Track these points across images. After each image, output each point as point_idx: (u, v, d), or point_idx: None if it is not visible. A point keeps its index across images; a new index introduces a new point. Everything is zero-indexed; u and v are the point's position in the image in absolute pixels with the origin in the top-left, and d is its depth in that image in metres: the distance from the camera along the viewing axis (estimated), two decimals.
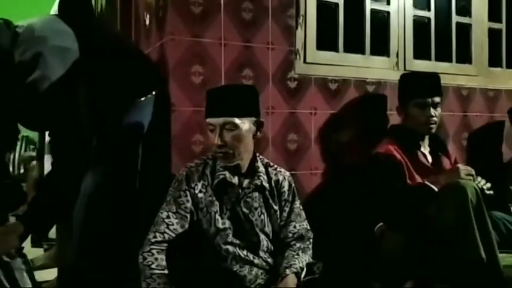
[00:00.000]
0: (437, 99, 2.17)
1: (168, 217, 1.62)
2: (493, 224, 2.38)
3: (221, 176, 1.65)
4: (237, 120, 1.61)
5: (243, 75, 2.10)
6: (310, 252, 1.76)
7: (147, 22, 2.24)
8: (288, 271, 1.62)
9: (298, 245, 1.73)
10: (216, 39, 2.05)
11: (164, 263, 1.54)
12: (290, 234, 1.74)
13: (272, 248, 1.71)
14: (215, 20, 2.04)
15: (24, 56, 1.57)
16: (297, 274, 1.63)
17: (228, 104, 1.62)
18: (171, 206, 1.63)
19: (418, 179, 2.09)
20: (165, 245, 1.57)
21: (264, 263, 1.67)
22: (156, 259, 1.55)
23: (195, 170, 1.68)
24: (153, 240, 1.59)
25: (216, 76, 2.04)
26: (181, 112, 1.97)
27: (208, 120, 1.64)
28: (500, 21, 3.02)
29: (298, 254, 1.69)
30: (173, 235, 1.59)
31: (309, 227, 1.79)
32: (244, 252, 1.64)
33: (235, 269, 1.62)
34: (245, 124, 1.63)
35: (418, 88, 2.18)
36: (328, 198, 2.28)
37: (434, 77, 2.22)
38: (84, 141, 1.76)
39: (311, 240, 1.79)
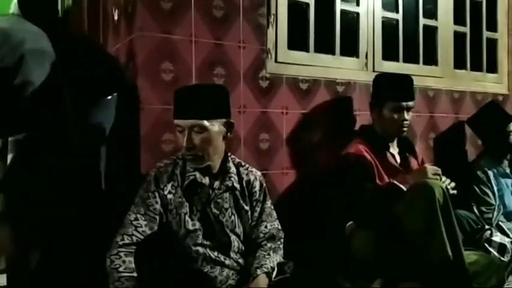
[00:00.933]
0: (411, 103, 2.21)
1: (136, 219, 1.58)
2: (457, 222, 2.45)
3: (191, 177, 1.63)
4: (206, 123, 1.58)
5: (215, 73, 2.08)
6: (281, 252, 1.76)
7: (116, 18, 2.18)
8: (259, 271, 1.61)
9: (269, 245, 1.73)
10: (187, 36, 2.01)
11: (132, 265, 1.50)
12: (261, 235, 1.73)
13: (243, 248, 1.70)
14: (185, 16, 2.01)
15: (4, 61, 1.51)
16: (268, 274, 1.62)
17: (197, 105, 1.58)
18: (139, 208, 1.59)
19: (387, 179, 2.12)
20: (134, 247, 1.53)
21: (235, 264, 1.66)
22: (124, 262, 1.51)
23: (164, 170, 1.65)
24: (120, 243, 1.54)
25: (187, 74, 2.01)
26: (150, 110, 1.93)
27: (176, 121, 1.60)
28: (464, 25, 3.11)
29: (269, 254, 1.69)
30: (141, 237, 1.55)
31: (280, 227, 1.79)
32: (215, 253, 1.62)
33: (206, 270, 1.60)
34: (214, 126, 1.60)
35: (394, 92, 2.20)
36: (299, 198, 2.28)
37: (409, 81, 2.24)
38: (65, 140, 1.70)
39: (282, 240, 1.79)
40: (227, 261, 1.64)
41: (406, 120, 2.19)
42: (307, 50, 2.41)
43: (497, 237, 2.29)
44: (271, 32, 2.26)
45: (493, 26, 3.27)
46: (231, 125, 1.67)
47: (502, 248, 2.26)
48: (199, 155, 1.60)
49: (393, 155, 2.24)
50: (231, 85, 2.09)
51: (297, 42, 2.37)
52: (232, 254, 1.66)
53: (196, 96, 1.60)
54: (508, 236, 2.33)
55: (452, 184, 2.03)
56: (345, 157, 2.14)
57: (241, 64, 2.14)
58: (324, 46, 2.48)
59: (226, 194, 1.68)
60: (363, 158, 2.10)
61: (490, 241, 2.27)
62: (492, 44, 3.27)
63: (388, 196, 1.96)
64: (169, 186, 1.61)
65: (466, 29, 3.11)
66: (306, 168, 2.33)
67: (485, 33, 3.23)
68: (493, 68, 3.27)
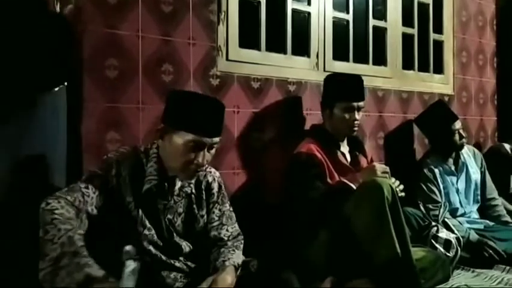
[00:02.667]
0: (361, 103, 2.23)
1: (86, 188, 1.44)
2: (405, 220, 2.50)
3: (153, 182, 1.54)
4: (218, 138, 1.54)
5: (163, 70, 2.02)
6: (240, 250, 1.71)
7: (58, 11, 2.07)
8: (227, 263, 1.56)
9: (230, 243, 1.69)
10: (133, 31, 1.94)
11: (71, 215, 1.34)
12: (225, 238, 1.68)
13: (195, 252, 1.65)
14: (132, 11, 1.94)
15: None
16: (235, 268, 1.58)
17: (218, 122, 1.54)
18: (93, 181, 1.46)
19: (338, 177, 2.13)
20: (75, 208, 1.38)
21: (184, 266, 1.62)
22: (63, 207, 1.35)
23: (127, 160, 1.53)
24: (63, 195, 1.39)
25: (133, 70, 1.94)
26: (94, 107, 1.84)
27: (197, 138, 1.48)
28: (412, 27, 3.18)
29: (234, 251, 1.65)
30: (84, 207, 1.40)
31: (239, 230, 1.76)
32: (165, 256, 1.58)
33: (155, 271, 1.54)
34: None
35: (346, 92, 2.22)
36: (251, 198, 2.26)
37: (360, 81, 2.26)
38: None
39: (242, 241, 1.75)
40: (177, 264, 1.59)
41: (357, 120, 2.21)
42: (258, 49, 2.39)
43: (443, 234, 2.35)
44: (222, 29, 2.22)
45: (439, 29, 3.38)
46: None
47: (447, 244, 2.32)
48: (199, 172, 1.56)
49: (344, 154, 2.26)
50: (180, 83, 2.04)
51: (248, 40, 2.35)
52: (181, 258, 1.62)
53: (217, 112, 1.54)
54: (453, 232, 2.40)
55: (401, 186, 2.06)
56: (296, 156, 2.13)
57: (190, 61, 2.09)
58: (276, 45, 2.47)
59: (182, 200, 1.63)
60: (314, 157, 2.11)
61: (436, 237, 2.33)
62: (438, 45, 3.37)
63: (338, 195, 1.97)
64: (127, 179, 1.51)
65: (414, 31, 3.19)
66: (258, 168, 2.30)
67: (432, 35, 3.33)
68: (439, 69, 3.37)
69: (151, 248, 1.54)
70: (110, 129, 1.87)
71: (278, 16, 2.50)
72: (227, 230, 1.70)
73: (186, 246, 1.63)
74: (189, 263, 1.63)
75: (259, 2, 2.39)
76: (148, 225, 1.54)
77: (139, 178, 1.54)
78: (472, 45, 3.57)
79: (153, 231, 1.55)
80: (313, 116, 2.53)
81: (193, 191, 1.65)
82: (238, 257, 1.63)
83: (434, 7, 3.33)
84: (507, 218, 2.82)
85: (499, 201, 2.90)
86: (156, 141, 1.56)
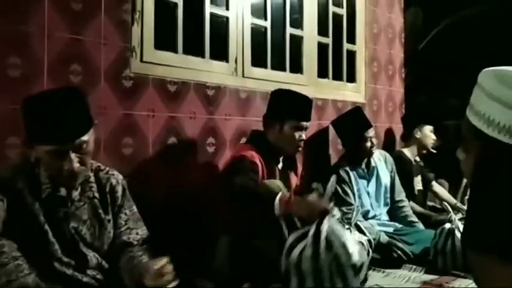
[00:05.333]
0: (308, 123, 2.28)
1: None
2: None
3: (48, 190, 1.45)
4: (85, 137, 1.42)
5: (71, 70, 1.90)
6: (147, 256, 1.65)
7: None
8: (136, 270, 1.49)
9: (136, 249, 1.61)
10: (39, 29, 1.81)
11: None
12: (135, 242, 1.62)
13: (103, 263, 1.57)
14: (38, 8, 1.81)
15: None
16: None
17: (76, 123, 1.40)
18: None
19: None
20: None
21: (93, 281, 1.53)
22: None
23: (20, 173, 1.45)
24: None
25: (38, 70, 1.81)
26: None
27: (50, 148, 1.38)
28: (327, 36, 3.30)
29: (141, 256, 1.58)
30: None
31: (148, 233, 1.69)
32: (71, 270, 1.48)
33: None
34: (90, 135, 1.46)
35: (299, 110, 2.24)
36: (167, 205, 2.19)
37: (311, 102, 2.31)
38: None
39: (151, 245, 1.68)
40: (84, 279, 1.51)
41: (303, 139, 2.24)
42: (175, 51, 2.33)
43: (356, 236, 2.43)
44: (136, 29, 2.14)
45: (352, 39, 3.53)
46: (95, 125, 1.56)
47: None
48: (81, 172, 1.45)
49: (278, 170, 2.25)
50: (89, 84, 1.93)
51: (164, 42, 2.28)
52: (89, 271, 1.53)
53: (67, 113, 1.39)
54: (365, 234, 2.49)
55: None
56: (240, 159, 2.06)
57: (101, 62, 1.99)
58: (193, 48, 2.42)
59: (85, 205, 1.54)
60: (256, 165, 2.06)
61: None
62: (352, 55, 3.53)
63: (260, 203, 1.90)
64: (25, 191, 1.42)
65: (329, 40, 3.31)
66: (174, 175, 2.24)
67: (346, 46, 3.47)
68: (352, 78, 3.52)
69: (56, 264, 1.45)
70: (11, 134, 1.72)
71: (196, 19, 2.46)
72: (137, 234, 1.64)
73: (93, 257, 1.54)
74: (98, 276, 1.54)
75: (176, 4, 2.34)
76: (51, 239, 1.45)
77: (37, 188, 1.45)
78: (382, 56, 3.78)
79: (56, 247, 1.46)
80: (232, 121, 2.52)
81: (96, 194, 1.56)
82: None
83: (348, 18, 3.47)
84: (413, 218, 3.00)
85: (406, 202, 3.08)
86: None
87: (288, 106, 2.24)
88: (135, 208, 1.67)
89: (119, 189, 1.62)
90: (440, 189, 3.45)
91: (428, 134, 3.39)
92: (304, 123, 2.24)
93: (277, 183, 2.01)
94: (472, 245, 0.52)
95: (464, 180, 3.46)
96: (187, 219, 2.23)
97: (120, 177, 1.65)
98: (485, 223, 0.49)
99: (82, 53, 1.93)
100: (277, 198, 1.79)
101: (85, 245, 1.52)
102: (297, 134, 2.21)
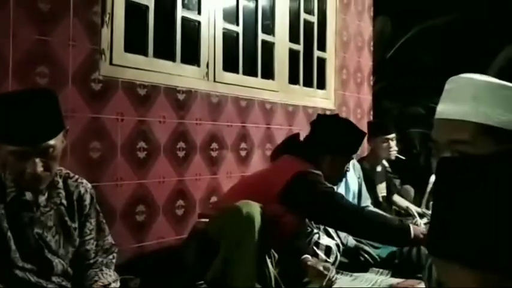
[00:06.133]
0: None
1: None
2: None
3: (12, 194, 1.42)
4: (52, 142, 1.38)
5: (37, 72, 1.85)
6: (113, 267, 1.64)
7: None
8: (94, 286, 1.48)
9: (100, 259, 1.60)
10: (3, 29, 1.76)
11: None
12: (93, 252, 1.59)
13: (69, 270, 1.54)
14: (3, 7, 1.76)
15: None
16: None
17: (43, 125, 1.36)
18: None
19: None
20: None
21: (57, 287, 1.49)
22: None
23: None
24: None
25: (2, 71, 1.75)
26: None
27: (14, 148, 1.34)
28: (298, 43, 3.33)
29: (101, 270, 1.57)
30: None
31: (113, 242, 1.66)
32: (35, 278, 1.45)
33: None
34: (58, 140, 1.42)
35: (355, 147, 2.24)
36: (134, 211, 2.16)
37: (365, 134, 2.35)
38: None
39: (115, 255, 1.67)
40: (49, 286, 1.47)
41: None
42: (145, 54, 2.31)
43: (324, 240, 2.46)
44: (106, 32, 2.11)
45: (323, 47, 3.58)
46: (67, 131, 1.51)
47: (328, 250, 2.44)
48: (46, 178, 1.41)
49: None
50: (57, 86, 1.88)
51: (135, 45, 2.25)
52: (54, 278, 1.49)
53: (33, 115, 1.35)
54: (333, 238, 2.53)
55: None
56: (306, 174, 2.01)
57: (70, 64, 1.95)
58: (164, 52, 2.41)
59: (52, 211, 1.50)
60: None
61: (318, 244, 2.43)
62: (322, 62, 3.57)
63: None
64: None
65: (300, 47, 3.34)
66: (142, 179, 2.21)
67: (316, 53, 3.51)
68: (322, 84, 3.56)
69: (17, 272, 1.41)
70: None
71: (167, 22, 2.45)
72: (97, 245, 1.61)
73: (58, 263, 1.51)
74: (64, 283, 1.51)
75: (147, 7, 2.31)
76: (13, 247, 1.41)
77: (1, 192, 1.42)
78: (351, 63, 3.84)
79: (17, 254, 1.42)
80: (203, 126, 2.51)
81: (64, 201, 1.53)
82: (106, 276, 1.56)
83: (319, 26, 3.52)
84: None
85: (371, 208, 3.14)
86: None
87: (348, 142, 2.19)
88: (101, 217, 1.65)
89: (87, 197, 1.59)
90: (399, 199, 3.48)
91: (382, 144, 3.33)
92: (353, 156, 2.29)
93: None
94: (434, 252, 0.53)
95: (429, 186, 3.55)
96: (156, 225, 2.20)
97: (89, 185, 1.63)
98: (447, 230, 0.51)
99: (49, 55, 1.89)
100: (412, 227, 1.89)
101: (50, 251, 1.49)
102: (343, 167, 2.19)
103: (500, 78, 1.02)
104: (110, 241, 1.66)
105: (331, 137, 2.16)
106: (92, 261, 1.59)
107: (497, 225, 0.48)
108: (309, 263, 2.06)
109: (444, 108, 1.02)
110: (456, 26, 5.80)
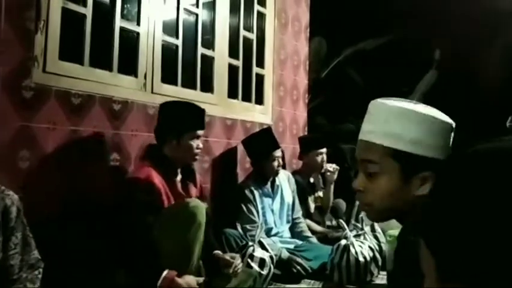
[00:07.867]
0: (203, 132, 2.31)
1: None
2: (226, 241, 2.60)
3: None
4: None
5: None
6: (38, 282, 1.57)
7: None
8: None
9: (25, 275, 1.53)
10: None
11: None
12: (17, 267, 1.52)
13: None
14: None
15: None
16: None
17: None
18: None
19: None
20: None
21: None
22: None
23: None
24: None
25: None
26: None
27: None
28: (238, 59, 3.39)
29: (25, 286, 1.51)
30: None
31: (39, 257, 1.59)
32: None
33: None
34: None
35: (194, 121, 2.25)
36: (64, 223, 2.08)
37: (203, 110, 2.33)
38: None
39: (41, 270, 1.59)
40: None
41: (201, 148, 2.26)
42: (81, 63, 2.26)
43: (259, 253, 2.50)
44: (39, 38, 2.04)
45: (261, 63, 3.67)
46: None
47: (262, 262, 2.48)
48: None
49: (178, 181, 2.25)
50: None
51: (70, 53, 2.20)
52: None
53: None
54: (267, 250, 2.58)
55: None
56: (134, 182, 2.06)
57: None
58: (101, 61, 2.36)
59: None
60: (152, 185, 2.05)
61: (252, 256, 2.47)
62: (260, 78, 3.66)
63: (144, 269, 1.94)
64: None
65: (239, 63, 3.40)
66: (73, 190, 2.14)
67: (255, 69, 3.59)
68: (260, 100, 3.64)
69: None
70: None
71: (105, 32, 2.41)
72: (23, 259, 1.54)
73: None
74: None
75: (85, 15, 2.27)
76: None
77: None
78: (288, 81, 3.97)
79: None
80: (138, 137, 2.48)
81: None
82: None
83: (258, 43, 3.61)
84: (308, 234, 3.19)
85: (302, 219, 3.26)
86: None
87: (183, 118, 2.26)
88: (27, 231, 1.58)
89: (13, 210, 1.52)
90: (312, 224, 3.49)
91: (314, 159, 3.50)
92: (200, 132, 2.28)
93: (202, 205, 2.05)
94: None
95: None
96: (87, 235, 2.14)
97: (16, 197, 1.55)
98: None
99: None
100: (164, 273, 1.90)
101: None
102: (194, 144, 2.24)
103: (423, 102, 1.10)
104: (36, 256, 1.58)
105: (166, 117, 2.27)
106: (15, 277, 1.51)
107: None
108: (218, 255, 2.18)
109: (363, 129, 1.10)
110: (386, 48, 6.16)
